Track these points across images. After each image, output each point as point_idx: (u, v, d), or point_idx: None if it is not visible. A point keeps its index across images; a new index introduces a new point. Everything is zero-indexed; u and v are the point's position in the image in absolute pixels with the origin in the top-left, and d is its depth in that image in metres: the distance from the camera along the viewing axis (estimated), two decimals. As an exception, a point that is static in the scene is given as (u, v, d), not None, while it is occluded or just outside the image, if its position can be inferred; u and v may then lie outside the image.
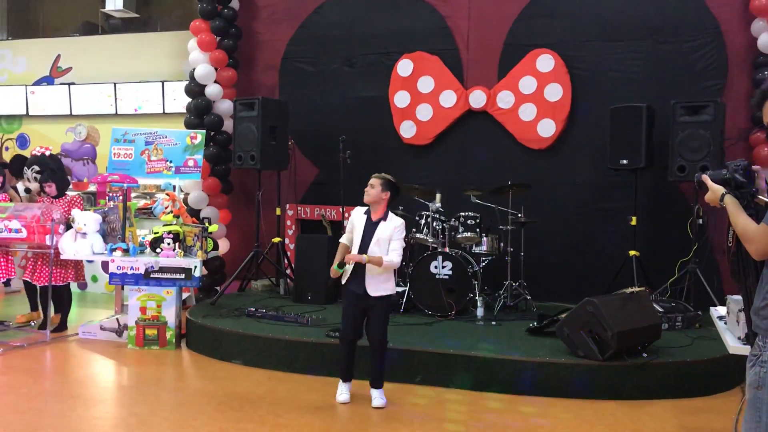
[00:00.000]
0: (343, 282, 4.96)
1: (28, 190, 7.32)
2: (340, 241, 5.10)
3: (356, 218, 4.97)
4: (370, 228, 4.88)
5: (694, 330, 6.15)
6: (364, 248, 4.85)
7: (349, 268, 4.90)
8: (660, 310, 6.09)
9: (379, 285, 4.85)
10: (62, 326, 7.07)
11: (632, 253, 6.92)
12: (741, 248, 2.68)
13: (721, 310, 4.11)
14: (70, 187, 7.99)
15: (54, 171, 7.15)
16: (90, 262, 8.57)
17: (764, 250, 2.55)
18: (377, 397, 4.96)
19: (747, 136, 7.01)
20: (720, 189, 2.77)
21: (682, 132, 6.60)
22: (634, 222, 6.97)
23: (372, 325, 4.90)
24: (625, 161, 6.88)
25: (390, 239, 4.85)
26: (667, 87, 7.24)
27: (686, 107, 6.63)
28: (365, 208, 5.00)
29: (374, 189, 4.90)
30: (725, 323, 3.75)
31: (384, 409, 4.89)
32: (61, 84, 10.91)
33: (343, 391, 5.04)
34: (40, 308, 7.15)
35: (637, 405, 5.00)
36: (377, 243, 4.82)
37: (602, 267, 7.25)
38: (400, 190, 5.11)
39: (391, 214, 4.96)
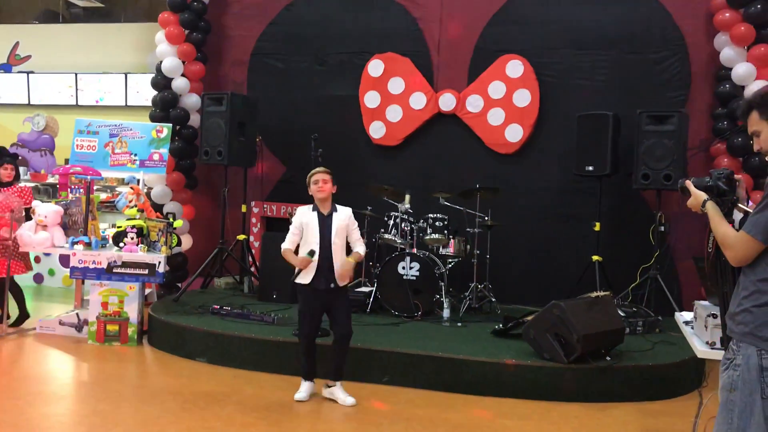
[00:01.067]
0: (307, 281, 4.87)
1: None
2: (284, 247, 4.96)
3: (306, 217, 4.96)
4: (324, 222, 4.94)
5: (654, 334, 6.28)
6: (325, 242, 4.88)
7: (315, 257, 4.85)
8: (622, 314, 6.20)
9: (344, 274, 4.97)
10: (23, 317, 6.87)
11: (595, 258, 7.04)
12: (720, 255, 2.75)
13: (687, 315, 4.21)
14: (26, 177, 7.78)
15: (14, 157, 6.96)
16: (47, 255, 8.38)
17: (741, 257, 2.63)
18: (347, 396, 4.97)
19: (708, 146, 7.20)
20: (702, 195, 2.84)
21: (647, 141, 6.74)
22: (597, 228, 7.09)
23: (339, 317, 4.94)
24: (590, 168, 7.00)
25: (347, 228, 5.00)
26: (633, 96, 7.39)
27: (651, 116, 6.77)
28: (310, 206, 5.01)
29: (327, 185, 4.95)
30: (692, 328, 3.84)
31: (351, 408, 4.88)
32: (19, 72, 10.62)
33: (302, 390, 5.03)
34: None
35: (601, 407, 5.09)
36: (337, 234, 4.92)
37: (566, 271, 7.36)
38: None
39: (338, 205, 5.06)
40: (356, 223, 5.08)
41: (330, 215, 4.96)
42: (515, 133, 7.75)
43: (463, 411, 4.96)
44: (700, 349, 3.49)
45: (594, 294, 5.75)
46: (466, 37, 7.98)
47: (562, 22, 7.71)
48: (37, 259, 8.99)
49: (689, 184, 2.95)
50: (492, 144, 7.85)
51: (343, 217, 5.00)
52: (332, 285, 4.90)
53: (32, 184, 8.92)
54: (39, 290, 9.05)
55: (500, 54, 7.81)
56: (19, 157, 9.68)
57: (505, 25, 7.86)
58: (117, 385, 5.26)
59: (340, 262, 4.91)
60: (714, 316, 3.39)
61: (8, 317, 6.73)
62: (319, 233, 4.90)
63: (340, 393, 4.99)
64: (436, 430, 4.57)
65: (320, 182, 4.92)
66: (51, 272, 9.20)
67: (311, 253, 4.84)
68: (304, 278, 4.89)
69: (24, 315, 6.91)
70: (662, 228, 6.84)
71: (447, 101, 7.91)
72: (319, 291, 4.89)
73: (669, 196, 6.93)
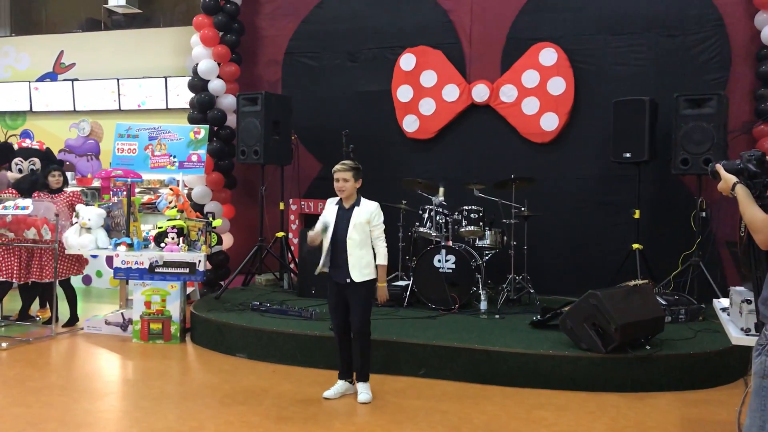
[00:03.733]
0: (323, 270, 4.88)
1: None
2: (309, 233, 4.94)
3: (329, 209, 4.91)
4: (343, 215, 4.83)
5: (697, 323, 6.15)
6: (341, 236, 4.79)
7: (327, 235, 4.82)
8: (663, 303, 6.10)
9: (363, 270, 4.80)
10: (74, 320, 7.11)
11: (635, 246, 6.92)
12: (752, 239, 2.69)
13: (724, 302, 4.11)
14: (73, 182, 8.02)
15: (61, 163, 7.18)
16: (94, 257, 8.61)
17: None
18: (363, 391, 4.90)
19: (750, 128, 7.01)
20: (732, 178, 2.79)
21: (685, 125, 6.59)
22: (637, 215, 6.97)
23: (353, 312, 4.83)
24: (628, 154, 6.88)
25: (368, 223, 4.81)
26: (670, 80, 7.24)
27: (689, 100, 6.62)
28: (336, 198, 4.94)
29: (348, 183, 4.81)
30: (728, 315, 3.76)
31: (389, 400, 4.91)
32: (64, 80, 10.93)
33: (332, 388, 4.98)
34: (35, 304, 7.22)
35: (641, 397, 5.01)
36: (354, 228, 4.78)
37: (606, 260, 7.26)
38: (361, 171, 4.95)
39: (363, 199, 4.90)
40: (380, 219, 4.88)
41: (351, 209, 4.84)
42: (551, 122, 7.67)
43: (500, 403, 4.94)
44: (735, 336, 3.42)
45: (632, 282, 5.67)
46: (498, 26, 7.92)
47: (595, 7, 7.60)
48: (86, 261, 9.26)
49: (719, 167, 2.90)
50: (527, 133, 7.78)
51: (365, 212, 4.83)
52: (348, 280, 4.79)
53: (79, 188, 9.18)
54: (88, 291, 9.32)
55: (533, 42, 7.74)
56: (66, 163, 10.01)
57: (537, 13, 7.78)
58: (159, 382, 5.39)
59: (356, 258, 4.77)
60: (748, 301, 3.31)
61: (57, 320, 6.94)
62: (335, 226, 4.83)
63: (359, 388, 4.94)
64: (473, 422, 4.56)
65: (340, 180, 4.82)
66: (99, 274, 9.46)
67: (325, 228, 4.80)
68: (325, 269, 4.88)
69: (74, 317, 7.13)
70: (703, 213, 6.69)
71: (480, 92, 7.87)
72: (339, 285, 4.84)
73: (710, 180, 6.67)
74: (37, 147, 7.77)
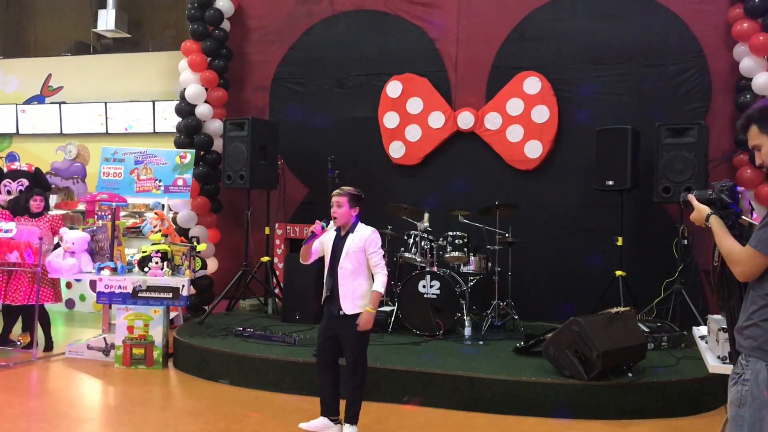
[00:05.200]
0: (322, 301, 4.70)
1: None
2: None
3: (327, 235, 4.65)
4: (339, 242, 4.59)
5: (679, 350, 6.19)
6: (334, 264, 4.58)
7: (332, 225, 4.63)
8: (646, 330, 6.14)
9: (356, 301, 4.52)
10: (49, 345, 7.03)
11: (618, 273, 6.97)
12: (725, 268, 2.72)
13: (704, 330, 4.14)
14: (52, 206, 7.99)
15: (38, 185, 7.16)
16: (78, 280, 8.56)
17: (749, 273, 2.59)
18: None
19: (731, 157, 7.11)
20: (705, 209, 2.82)
21: (666, 153, 6.69)
22: (620, 242, 7.03)
23: (345, 346, 4.55)
24: (611, 182, 6.96)
25: (363, 252, 4.54)
26: (651, 109, 7.34)
27: (671, 129, 6.73)
28: (331, 225, 4.68)
29: (342, 209, 4.55)
30: (706, 342, 3.79)
31: (372, 428, 4.88)
32: (51, 103, 10.94)
33: (313, 422, 4.69)
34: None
35: (623, 425, 5.03)
36: (347, 257, 4.52)
37: (589, 287, 7.30)
38: (363, 199, 4.69)
39: (360, 225, 4.62)
40: (377, 245, 4.57)
41: (345, 237, 4.58)
42: (534, 149, 7.75)
43: (484, 430, 4.93)
44: (712, 364, 3.44)
45: (614, 309, 5.70)
46: (483, 55, 8.03)
47: (578, 38, 7.72)
48: (69, 285, 9.21)
49: (691, 197, 2.93)
50: (511, 161, 7.85)
51: (358, 238, 4.54)
52: (340, 312, 4.53)
53: (63, 212, 9.15)
54: (71, 316, 9.24)
55: (517, 71, 7.84)
56: (53, 186, 9.96)
57: (521, 42, 7.90)
58: (140, 408, 5.34)
59: (347, 289, 4.51)
60: (724, 330, 3.34)
61: (37, 344, 6.88)
62: (331, 253, 4.62)
63: (345, 431, 4.60)
64: (454, 449, 4.55)
65: (334, 205, 4.58)
66: (82, 298, 9.39)
67: (313, 234, 4.57)
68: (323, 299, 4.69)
69: (48, 343, 7.04)
70: (685, 241, 6.76)
71: (465, 119, 7.95)
72: (332, 315, 4.60)
73: (690, 211, 6.83)
74: (26, 169, 7.75)
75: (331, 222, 4.65)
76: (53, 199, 9.74)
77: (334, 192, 4.65)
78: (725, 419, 4.94)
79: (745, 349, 2.67)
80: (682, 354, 6.00)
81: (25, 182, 7.39)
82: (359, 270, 4.55)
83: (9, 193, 7.31)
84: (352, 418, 4.61)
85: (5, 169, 7.74)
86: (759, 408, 2.60)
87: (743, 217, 2.83)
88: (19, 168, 7.75)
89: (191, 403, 5.53)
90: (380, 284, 4.52)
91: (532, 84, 7.75)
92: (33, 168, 7.84)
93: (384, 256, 4.74)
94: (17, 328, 7.20)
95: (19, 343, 7.16)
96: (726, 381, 5.39)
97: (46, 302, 6.94)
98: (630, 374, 5.33)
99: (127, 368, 6.45)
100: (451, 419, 5.15)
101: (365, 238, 4.56)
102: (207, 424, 4.94)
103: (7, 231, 6.44)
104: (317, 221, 4.62)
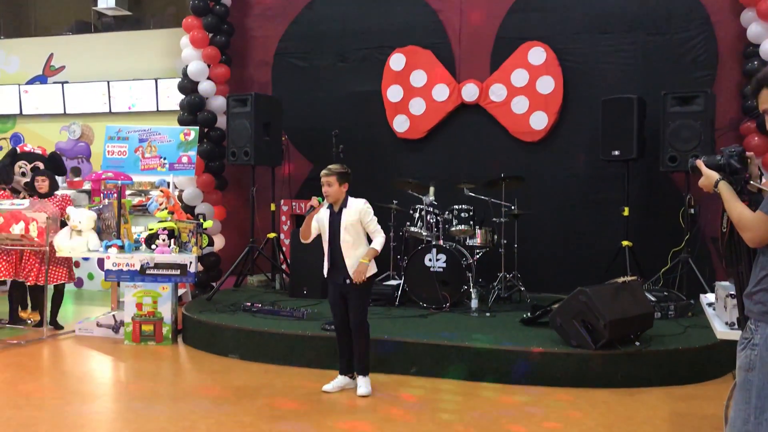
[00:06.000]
0: (325, 274, 5.04)
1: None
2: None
3: (321, 213, 5.01)
4: (334, 219, 4.95)
5: (686, 318, 6.20)
6: (335, 240, 4.93)
7: (325, 203, 4.94)
8: (653, 299, 6.15)
9: None
10: (56, 325, 7.09)
11: (625, 243, 6.97)
12: (734, 234, 2.70)
13: (711, 297, 4.15)
14: (65, 185, 7.99)
15: (52, 168, 7.16)
16: (86, 259, 8.60)
17: (760, 239, 2.56)
18: (362, 385, 5.01)
19: (738, 125, 7.07)
20: (714, 175, 2.78)
21: (672, 122, 6.65)
22: (626, 213, 7.02)
23: (350, 310, 4.96)
24: (617, 152, 6.92)
25: (359, 222, 4.92)
26: (657, 78, 7.29)
27: (677, 98, 6.68)
28: (326, 203, 5.01)
29: (332, 187, 4.90)
30: (714, 309, 3.80)
31: (380, 398, 4.94)
32: (54, 83, 10.90)
33: (332, 381, 5.11)
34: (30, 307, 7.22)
35: (630, 393, 5.05)
36: (346, 230, 4.90)
37: (595, 258, 7.30)
38: (350, 174, 5.02)
39: (350, 200, 4.98)
40: (370, 215, 4.97)
41: (340, 212, 4.95)
42: (540, 121, 7.71)
43: (491, 400, 4.97)
44: (720, 331, 3.45)
45: (621, 279, 5.71)
46: (487, 26, 7.96)
47: (583, 7, 7.65)
48: (77, 264, 9.21)
49: (700, 163, 2.90)
50: (516, 132, 7.82)
51: (353, 212, 4.93)
52: (347, 280, 4.92)
53: (69, 191, 9.16)
54: (79, 294, 9.30)
55: (522, 42, 7.78)
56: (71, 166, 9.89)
57: (526, 12, 7.83)
58: (150, 383, 5.40)
59: (353, 259, 4.89)
60: (732, 296, 3.34)
61: (48, 322, 6.93)
62: (328, 231, 4.97)
63: (359, 381, 5.05)
64: (463, 419, 4.59)
65: (324, 185, 4.92)
66: (90, 276, 9.45)
67: (312, 208, 4.93)
68: (325, 271, 5.03)
69: (54, 323, 7.07)
70: (692, 210, 6.75)
71: (470, 91, 7.90)
72: (337, 285, 4.99)
73: (698, 177, 6.81)
74: (39, 152, 7.73)
75: (325, 200, 4.98)
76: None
77: (322, 173, 4.97)
78: (733, 385, 4.97)
79: (754, 314, 2.66)
80: (689, 322, 6.02)
81: (41, 165, 7.36)
82: (359, 239, 4.96)
83: (24, 174, 7.30)
84: (364, 370, 5.06)
85: (19, 150, 7.68)
86: (768, 372, 2.60)
87: (752, 182, 2.81)
88: (33, 150, 7.71)
89: (201, 377, 5.58)
90: (378, 243, 4.94)
91: (537, 54, 7.69)
92: (47, 152, 7.80)
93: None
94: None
95: (29, 321, 7.23)
96: (733, 348, 5.42)
97: (60, 281, 6.98)
98: (637, 343, 5.34)
99: (136, 345, 6.51)
100: (458, 389, 5.19)
101: (359, 210, 4.95)
102: (218, 397, 4.99)
103: (20, 204, 6.49)
104: (313, 197, 4.98)
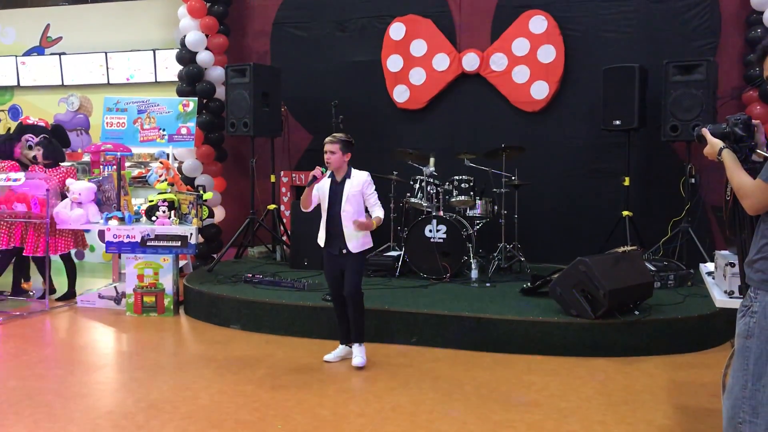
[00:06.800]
0: (322, 245, 5.05)
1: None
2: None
3: (322, 183, 4.98)
4: (336, 188, 4.93)
5: (686, 288, 6.22)
6: (335, 210, 4.92)
7: (323, 208, 4.95)
8: (652, 268, 6.16)
9: (360, 240, 4.93)
10: (71, 294, 7.13)
11: (625, 213, 6.97)
12: (737, 202, 2.70)
13: (710, 266, 4.15)
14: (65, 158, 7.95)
15: (50, 140, 7.13)
16: (86, 231, 8.60)
17: (759, 206, 2.58)
18: (357, 354, 5.04)
19: (740, 94, 7.02)
20: (719, 143, 2.78)
21: (674, 91, 6.60)
22: (627, 182, 7.00)
23: (346, 277, 4.97)
24: (618, 122, 6.89)
25: (361, 194, 4.92)
26: (659, 47, 7.23)
27: (679, 67, 6.62)
28: (329, 172, 5.01)
29: (335, 155, 4.87)
30: (713, 278, 3.80)
31: (381, 368, 4.97)
32: (51, 54, 10.80)
33: (333, 351, 5.17)
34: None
35: (629, 361, 5.09)
36: (348, 201, 4.89)
37: (596, 227, 7.31)
38: (354, 144, 5.02)
39: (354, 171, 4.98)
40: (372, 188, 4.99)
41: (342, 182, 4.93)
42: (541, 90, 7.66)
43: (491, 369, 5.01)
44: (719, 299, 3.46)
45: (621, 249, 5.72)
46: (488, -6, 7.86)
47: (585, -27, 7.53)
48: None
49: (705, 131, 2.89)
50: (517, 102, 7.77)
51: (356, 183, 4.92)
52: (344, 251, 4.93)
53: (69, 164, 9.13)
54: (81, 266, 9.27)
55: (523, 10, 7.69)
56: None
57: (527, -20, 7.72)
58: (153, 354, 5.44)
59: (351, 229, 4.88)
60: (732, 265, 3.35)
61: (54, 291, 6.98)
62: (328, 200, 4.95)
63: (354, 351, 5.08)
64: (463, 388, 4.62)
65: (327, 152, 4.89)
66: (91, 248, 9.44)
67: (313, 180, 4.89)
68: (321, 242, 5.03)
69: (71, 292, 7.15)
70: (693, 180, 6.73)
71: (470, 61, 7.83)
72: (333, 255, 4.99)
73: (699, 147, 6.72)
74: (43, 125, 7.69)
75: (327, 169, 4.96)
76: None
77: (326, 140, 4.96)
78: (731, 352, 5.01)
79: (754, 282, 2.68)
80: (689, 292, 6.04)
81: (48, 137, 7.32)
82: (359, 211, 4.96)
83: (30, 147, 7.26)
84: (359, 338, 5.08)
85: (22, 123, 7.63)
86: (766, 340, 2.62)
87: (758, 150, 2.80)
88: (36, 123, 7.66)
89: (203, 347, 5.62)
90: (380, 213, 4.94)
91: (538, 23, 7.61)
92: (49, 125, 7.74)
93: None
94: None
95: (32, 293, 7.26)
96: (732, 316, 5.46)
97: (66, 250, 7.00)
98: (636, 312, 5.37)
99: (138, 316, 6.54)
100: (458, 359, 5.23)
101: (362, 181, 4.95)
102: (220, 367, 5.03)
103: (15, 180, 6.45)
104: (317, 167, 4.91)
